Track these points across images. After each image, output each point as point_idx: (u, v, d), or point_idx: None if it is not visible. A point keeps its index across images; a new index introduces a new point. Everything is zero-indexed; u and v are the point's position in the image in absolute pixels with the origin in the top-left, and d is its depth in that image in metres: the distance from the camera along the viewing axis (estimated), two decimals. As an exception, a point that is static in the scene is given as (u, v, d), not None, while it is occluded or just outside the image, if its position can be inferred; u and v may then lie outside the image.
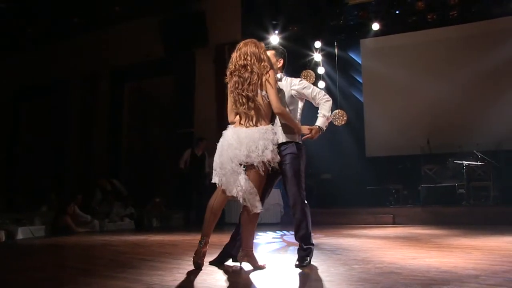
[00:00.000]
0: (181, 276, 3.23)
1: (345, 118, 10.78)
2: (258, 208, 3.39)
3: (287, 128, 3.65)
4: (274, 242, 5.80)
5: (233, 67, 3.61)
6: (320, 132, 3.69)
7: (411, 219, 8.46)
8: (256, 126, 3.47)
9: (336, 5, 10.99)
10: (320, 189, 10.94)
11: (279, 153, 3.57)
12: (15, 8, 10.72)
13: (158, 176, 11.42)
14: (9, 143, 13.60)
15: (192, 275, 3.27)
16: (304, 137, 3.71)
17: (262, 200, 3.51)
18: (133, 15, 11.42)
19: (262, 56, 3.55)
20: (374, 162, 11.48)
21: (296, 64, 11.50)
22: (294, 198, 3.65)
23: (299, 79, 3.79)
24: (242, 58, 3.56)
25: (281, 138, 3.65)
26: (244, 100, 3.50)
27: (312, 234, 3.76)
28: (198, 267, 3.44)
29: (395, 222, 8.44)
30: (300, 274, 3.32)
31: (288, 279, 3.17)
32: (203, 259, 3.49)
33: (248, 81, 3.49)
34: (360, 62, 12.57)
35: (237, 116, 3.60)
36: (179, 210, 9.74)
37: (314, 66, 11.28)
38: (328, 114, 3.72)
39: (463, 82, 10.58)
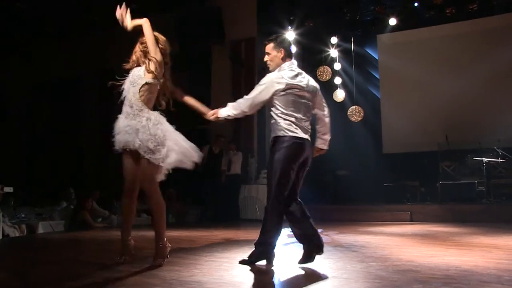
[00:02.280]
0: (198, 272, 3.24)
1: (362, 114, 10.71)
2: None
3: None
4: (290, 238, 5.77)
5: None
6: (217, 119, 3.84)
7: (428, 217, 8.35)
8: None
9: (352, 0, 10.90)
10: (336, 185, 10.88)
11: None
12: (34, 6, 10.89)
13: (174, 171, 11.46)
14: (28, 138, 13.78)
15: (209, 271, 3.27)
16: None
17: (294, 194, 3.55)
18: (149, 10, 11.46)
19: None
20: (391, 158, 11.37)
21: (312, 60, 11.46)
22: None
23: (280, 73, 3.68)
24: None
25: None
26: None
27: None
28: None
29: (412, 220, 8.35)
30: (316, 271, 3.30)
31: (305, 276, 3.15)
32: None
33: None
34: (377, 57, 12.45)
35: None
36: (195, 206, 9.78)
37: (330, 62, 11.22)
38: (227, 112, 3.78)
39: (482, 77, 10.39)
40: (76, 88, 13.10)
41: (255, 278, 3.11)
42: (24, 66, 13.64)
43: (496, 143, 9.32)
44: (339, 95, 10.88)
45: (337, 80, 11.21)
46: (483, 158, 9.20)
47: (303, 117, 3.62)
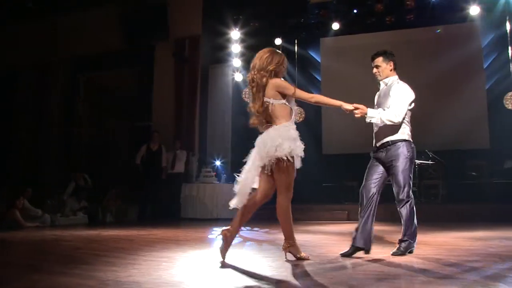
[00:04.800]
0: (136, 272, 3.17)
1: (303, 115, 10.90)
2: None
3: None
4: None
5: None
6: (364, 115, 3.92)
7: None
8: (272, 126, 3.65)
9: (297, 3, 11.08)
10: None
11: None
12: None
13: (115, 169, 11.18)
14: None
15: (147, 271, 3.21)
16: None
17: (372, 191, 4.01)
18: (92, 3, 11.12)
19: (264, 68, 3.68)
20: (331, 159, 11.65)
21: (256, 60, 11.52)
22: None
23: (400, 87, 3.99)
24: (252, 72, 3.74)
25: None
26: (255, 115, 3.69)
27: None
28: None
29: (349, 219, 8.60)
30: (255, 269, 3.32)
31: (245, 275, 3.16)
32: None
33: (254, 97, 3.70)
34: (319, 60, 12.73)
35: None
36: (135, 205, 9.57)
37: (274, 63, 11.31)
38: (379, 117, 3.89)
39: (418, 83, 10.74)
40: (7, 82, 12.41)
41: (195, 277, 3.08)
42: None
43: (428, 146, 9.80)
44: (281, 96, 11.01)
45: (280, 81, 11.33)
46: (416, 160, 9.63)
47: None
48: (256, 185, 3.65)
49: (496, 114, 10.49)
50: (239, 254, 4.19)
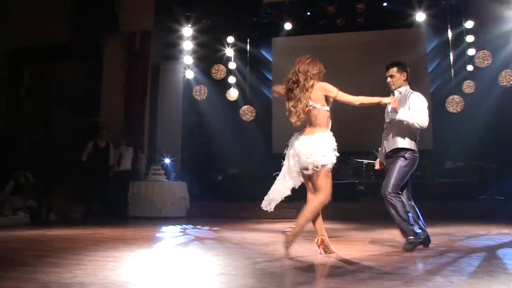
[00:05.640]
0: (81, 273, 3.06)
1: (254, 114, 10.94)
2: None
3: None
4: (179, 236, 5.72)
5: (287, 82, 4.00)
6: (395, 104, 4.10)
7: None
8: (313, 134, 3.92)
9: (250, 2, 11.11)
10: (226, 183, 11.00)
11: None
12: None
13: (61, 166, 10.76)
14: None
15: (93, 271, 3.11)
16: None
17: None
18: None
19: (309, 71, 3.94)
20: (280, 158, 11.69)
21: (207, 57, 11.45)
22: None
23: (419, 95, 4.28)
24: (294, 74, 3.97)
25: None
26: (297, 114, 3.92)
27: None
28: None
29: (297, 217, 8.68)
30: (204, 268, 3.30)
31: (193, 273, 3.13)
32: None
33: (298, 97, 3.89)
34: (271, 59, 12.82)
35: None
36: (81, 203, 9.26)
37: (225, 61, 11.29)
38: (411, 117, 4.10)
39: (366, 85, 11.15)
40: None
41: (142, 277, 3.02)
42: None
43: (376, 146, 10.07)
44: (232, 94, 10.99)
45: (231, 79, 11.33)
46: (363, 160, 9.92)
47: None
48: (288, 193, 4.10)
49: (438, 117, 10.94)
50: (188, 253, 4.15)
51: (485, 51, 9.74)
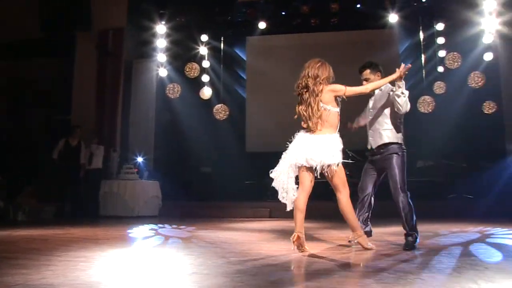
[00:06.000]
0: (50, 274, 2.99)
1: (227, 112, 10.91)
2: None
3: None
4: (151, 235, 5.66)
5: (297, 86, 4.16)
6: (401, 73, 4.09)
7: (286, 213, 8.77)
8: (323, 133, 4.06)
9: (225, 1, 11.07)
10: (199, 182, 10.95)
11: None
12: None
13: (31, 165, 10.51)
14: None
15: (63, 272, 3.04)
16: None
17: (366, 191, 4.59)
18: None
19: (319, 77, 4.07)
20: (254, 157, 11.76)
21: (181, 55, 11.36)
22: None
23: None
24: (304, 79, 4.10)
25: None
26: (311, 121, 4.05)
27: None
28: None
29: (271, 216, 8.75)
30: (176, 268, 3.27)
31: (165, 273, 3.10)
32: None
33: (308, 102, 4.05)
34: (245, 58, 12.82)
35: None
36: (51, 203, 9.06)
37: (199, 59, 11.23)
38: (406, 94, 4.20)
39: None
40: None
41: (113, 277, 2.97)
42: None
43: (348, 146, 10.18)
44: (206, 92, 10.92)
45: (205, 78, 11.27)
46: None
47: None
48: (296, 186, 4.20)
49: (410, 117, 11.13)
50: (160, 253, 4.11)
51: (455, 53, 9.95)
